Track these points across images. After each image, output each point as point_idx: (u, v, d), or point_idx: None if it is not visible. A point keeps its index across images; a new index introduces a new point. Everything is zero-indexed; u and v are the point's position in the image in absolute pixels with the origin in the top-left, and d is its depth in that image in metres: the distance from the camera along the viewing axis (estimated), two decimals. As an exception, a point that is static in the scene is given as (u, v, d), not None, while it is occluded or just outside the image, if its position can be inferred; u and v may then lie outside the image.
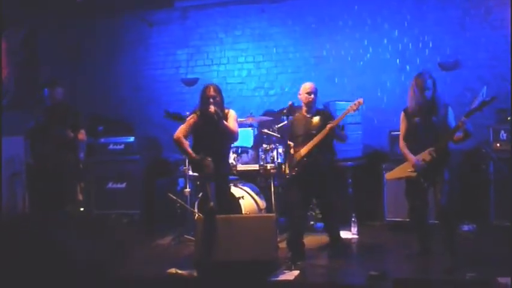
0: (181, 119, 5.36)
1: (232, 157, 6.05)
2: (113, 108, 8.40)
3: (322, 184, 5.22)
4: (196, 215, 5.64)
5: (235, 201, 5.79)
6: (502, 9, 6.76)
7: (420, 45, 7.23)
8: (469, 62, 6.99)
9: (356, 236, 6.04)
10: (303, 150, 5.18)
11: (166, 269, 4.72)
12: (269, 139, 6.30)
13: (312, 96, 5.28)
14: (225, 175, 5.23)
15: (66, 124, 5.81)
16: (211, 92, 4.95)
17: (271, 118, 6.60)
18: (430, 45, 7.18)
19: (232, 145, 5.51)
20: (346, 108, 5.21)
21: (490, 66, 6.85)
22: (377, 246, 5.82)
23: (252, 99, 7.95)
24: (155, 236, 6.44)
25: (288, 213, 5.28)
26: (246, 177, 6.43)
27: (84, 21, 8.43)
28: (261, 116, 6.94)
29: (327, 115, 5.29)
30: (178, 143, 5.02)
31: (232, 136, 5.08)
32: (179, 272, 4.66)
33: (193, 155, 4.94)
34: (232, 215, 5.11)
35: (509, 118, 6.08)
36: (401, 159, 5.06)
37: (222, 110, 5.01)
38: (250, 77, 8.06)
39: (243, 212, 5.77)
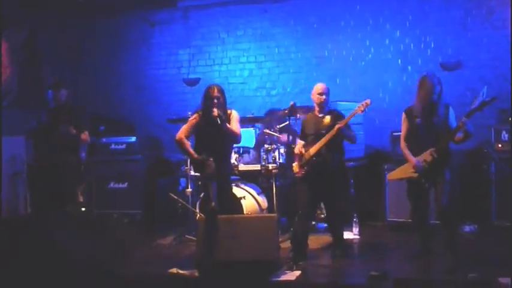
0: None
1: (234, 157, 6.05)
2: (114, 108, 8.42)
3: (331, 184, 5.22)
4: (198, 215, 5.65)
5: (236, 202, 5.79)
6: (504, 10, 6.76)
7: (422, 45, 7.22)
8: (471, 62, 6.98)
9: (357, 236, 6.04)
10: (312, 150, 5.18)
11: (168, 269, 4.73)
12: (271, 139, 6.31)
13: (324, 96, 5.28)
14: (226, 175, 5.24)
15: (70, 125, 5.83)
16: (215, 92, 4.96)
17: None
18: (432, 45, 7.18)
19: (234, 145, 5.52)
20: (354, 109, 5.19)
21: (492, 67, 6.85)
22: (378, 247, 5.81)
23: (254, 99, 7.96)
24: (156, 235, 6.43)
25: (295, 212, 5.26)
26: (247, 178, 6.42)
27: (85, 21, 8.45)
28: (265, 115, 6.92)
29: (337, 115, 5.28)
30: (180, 143, 5.03)
31: (235, 138, 5.09)
32: (180, 271, 4.67)
33: (195, 155, 4.95)
34: (233, 215, 5.11)
35: (510, 119, 6.07)
36: (403, 160, 5.04)
37: (225, 110, 5.01)
38: (252, 77, 8.06)
39: (245, 212, 5.77)
